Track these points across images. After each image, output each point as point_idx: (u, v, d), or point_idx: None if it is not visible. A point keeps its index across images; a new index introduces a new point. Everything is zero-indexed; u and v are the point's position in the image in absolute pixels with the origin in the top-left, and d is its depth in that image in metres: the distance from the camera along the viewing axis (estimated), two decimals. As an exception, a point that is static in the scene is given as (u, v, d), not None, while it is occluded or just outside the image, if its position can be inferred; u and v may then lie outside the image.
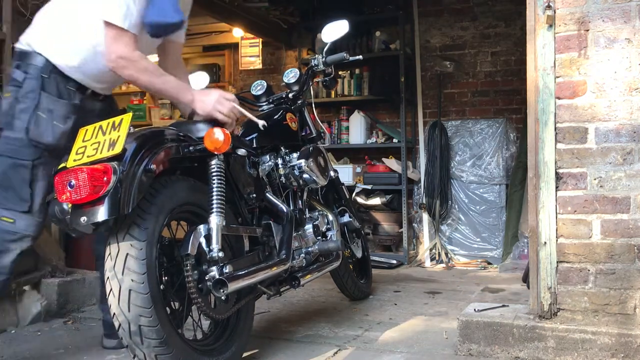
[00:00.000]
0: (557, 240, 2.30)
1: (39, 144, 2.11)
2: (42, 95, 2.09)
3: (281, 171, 2.68)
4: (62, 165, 1.92)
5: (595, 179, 2.26)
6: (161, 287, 1.98)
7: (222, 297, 2.14)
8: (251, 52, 5.94)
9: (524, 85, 3.97)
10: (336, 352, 2.48)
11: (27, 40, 2.17)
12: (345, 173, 5.08)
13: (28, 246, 2.14)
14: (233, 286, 2.07)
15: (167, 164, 2.02)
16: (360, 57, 3.16)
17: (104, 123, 1.96)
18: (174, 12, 2.09)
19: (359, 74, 5.49)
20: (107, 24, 2.05)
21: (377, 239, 5.26)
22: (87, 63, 2.15)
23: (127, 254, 1.87)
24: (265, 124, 2.48)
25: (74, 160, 1.90)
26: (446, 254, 5.06)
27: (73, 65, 2.15)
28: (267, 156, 2.65)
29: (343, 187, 3.41)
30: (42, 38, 2.15)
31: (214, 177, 2.12)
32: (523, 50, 4.80)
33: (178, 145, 2.07)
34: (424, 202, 5.17)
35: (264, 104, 2.92)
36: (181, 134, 2.12)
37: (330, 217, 2.99)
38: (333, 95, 5.53)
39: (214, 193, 2.10)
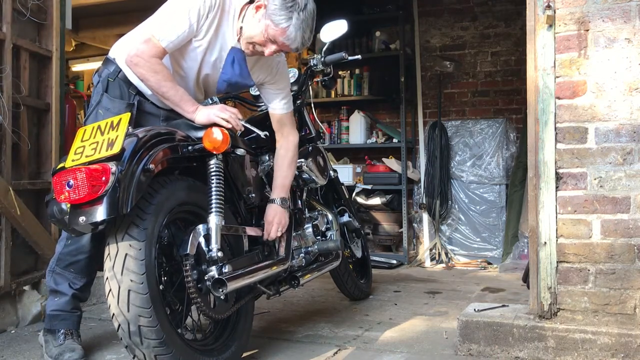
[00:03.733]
0: (557, 240, 2.30)
1: None
2: (103, 95, 2.30)
3: (281, 171, 2.68)
4: (61, 165, 1.92)
5: (595, 179, 2.26)
6: (160, 287, 1.98)
7: (222, 297, 2.14)
8: (251, 52, 5.93)
9: (524, 85, 3.98)
10: (336, 352, 2.48)
11: (112, 50, 2.40)
12: (345, 173, 5.08)
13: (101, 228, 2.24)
14: (232, 286, 2.07)
15: (166, 163, 2.02)
16: (359, 56, 3.16)
17: (102, 123, 1.96)
18: (246, 78, 2.41)
19: (359, 74, 5.49)
20: (146, 30, 2.23)
21: (377, 239, 5.26)
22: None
23: (126, 254, 1.86)
24: (267, 134, 2.51)
25: (73, 160, 1.90)
26: (446, 254, 5.06)
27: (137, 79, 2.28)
28: (267, 156, 2.65)
29: (343, 186, 3.41)
30: (119, 45, 2.37)
31: (213, 177, 2.12)
32: (523, 50, 4.80)
33: (177, 145, 2.06)
34: (424, 202, 5.17)
35: (263, 104, 2.91)
36: (180, 133, 2.12)
37: (330, 217, 2.99)
38: (333, 95, 5.53)
39: (213, 193, 2.10)
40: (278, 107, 2.55)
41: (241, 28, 2.28)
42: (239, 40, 2.31)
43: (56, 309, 2.33)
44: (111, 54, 2.37)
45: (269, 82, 2.50)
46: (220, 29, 2.29)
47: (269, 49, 2.25)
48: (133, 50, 2.18)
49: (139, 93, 2.33)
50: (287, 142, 2.57)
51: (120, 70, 2.31)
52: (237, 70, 2.34)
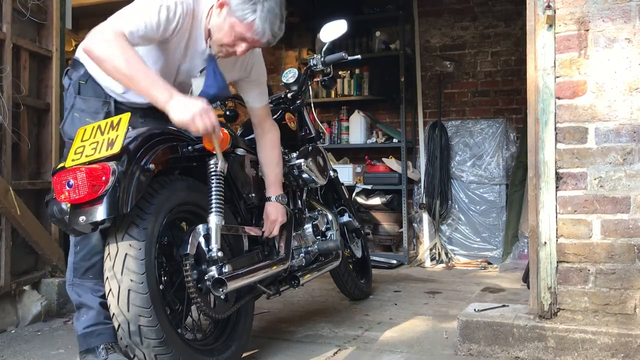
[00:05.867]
0: (557, 240, 2.30)
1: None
2: (77, 98, 2.17)
3: (280, 171, 2.67)
4: (61, 165, 1.92)
5: (595, 179, 2.26)
6: (160, 287, 1.98)
7: (222, 297, 2.14)
8: (251, 52, 5.93)
9: (524, 85, 3.97)
10: (336, 352, 2.48)
11: (78, 50, 2.21)
12: (345, 173, 5.08)
13: (107, 227, 2.01)
14: (232, 285, 2.07)
15: (166, 163, 2.02)
16: (359, 56, 3.16)
17: (102, 123, 1.96)
18: (227, 89, 2.20)
19: (359, 73, 5.49)
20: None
21: (377, 239, 5.26)
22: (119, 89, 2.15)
23: (126, 254, 1.86)
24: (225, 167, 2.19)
25: (73, 160, 1.90)
26: (446, 254, 5.06)
27: (104, 83, 2.17)
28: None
29: (343, 186, 3.41)
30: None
31: (213, 177, 2.12)
32: (523, 50, 4.80)
33: (177, 145, 2.06)
34: (424, 202, 5.17)
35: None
36: (180, 133, 2.12)
37: (330, 217, 2.99)
38: (333, 95, 5.53)
39: (213, 193, 2.10)
40: (255, 100, 2.45)
41: (209, 31, 2.14)
42: (207, 42, 2.16)
43: (88, 325, 2.13)
44: (78, 54, 2.22)
45: (244, 78, 2.41)
46: (192, 35, 2.15)
47: (240, 47, 2.11)
48: (92, 32, 1.92)
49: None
50: (271, 137, 2.51)
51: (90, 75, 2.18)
52: (220, 83, 2.15)
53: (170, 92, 1.92)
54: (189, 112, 1.90)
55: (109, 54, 1.88)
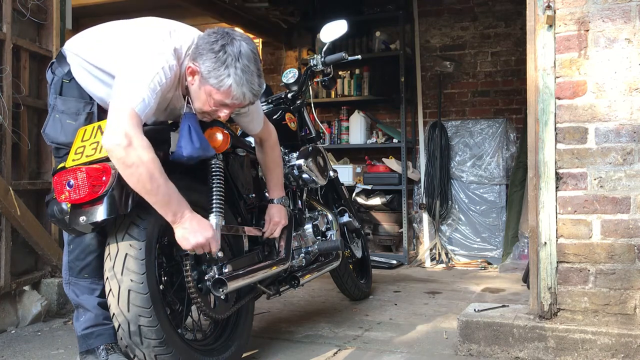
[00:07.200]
0: (557, 241, 2.30)
1: (58, 145, 2.11)
2: (57, 99, 2.10)
3: (280, 171, 2.68)
4: (61, 165, 1.92)
5: (595, 179, 2.26)
6: (161, 287, 1.98)
7: (222, 297, 2.14)
8: (251, 52, 5.92)
9: (524, 85, 3.98)
10: (336, 352, 2.48)
11: (66, 46, 2.15)
12: (345, 173, 5.08)
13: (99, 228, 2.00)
14: (232, 285, 2.07)
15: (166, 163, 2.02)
16: (359, 56, 3.17)
17: (102, 123, 1.95)
18: (207, 148, 2.05)
19: (359, 74, 5.49)
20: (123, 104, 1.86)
21: (377, 239, 5.26)
22: (100, 95, 2.10)
23: (127, 254, 1.87)
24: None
25: (73, 160, 1.90)
26: (446, 254, 5.06)
27: (87, 87, 2.11)
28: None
29: (343, 187, 3.41)
30: (76, 51, 2.11)
31: (213, 177, 2.12)
32: (523, 50, 4.81)
33: (177, 145, 2.06)
34: (424, 202, 5.17)
35: (263, 104, 2.92)
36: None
37: (330, 217, 2.99)
38: (333, 95, 5.53)
39: (214, 193, 2.10)
40: (249, 129, 2.40)
41: (189, 94, 2.05)
42: (185, 99, 2.07)
43: (87, 327, 2.12)
44: (65, 48, 2.13)
45: (236, 115, 2.30)
46: (173, 96, 2.08)
47: (223, 113, 2.02)
48: (112, 127, 1.79)
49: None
50: (269, 139, 2.48)
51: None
52: (196, 143, 2.00)
53: (181, 212, 1.90)
54: (193, 241, 1.92)
55: (136, 162, 1.78)
